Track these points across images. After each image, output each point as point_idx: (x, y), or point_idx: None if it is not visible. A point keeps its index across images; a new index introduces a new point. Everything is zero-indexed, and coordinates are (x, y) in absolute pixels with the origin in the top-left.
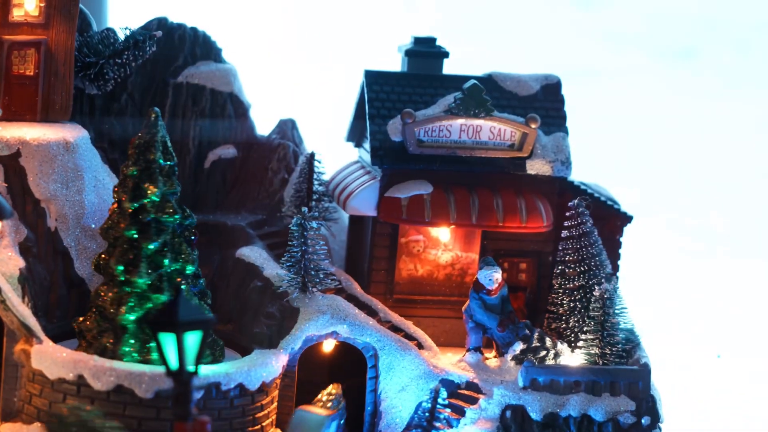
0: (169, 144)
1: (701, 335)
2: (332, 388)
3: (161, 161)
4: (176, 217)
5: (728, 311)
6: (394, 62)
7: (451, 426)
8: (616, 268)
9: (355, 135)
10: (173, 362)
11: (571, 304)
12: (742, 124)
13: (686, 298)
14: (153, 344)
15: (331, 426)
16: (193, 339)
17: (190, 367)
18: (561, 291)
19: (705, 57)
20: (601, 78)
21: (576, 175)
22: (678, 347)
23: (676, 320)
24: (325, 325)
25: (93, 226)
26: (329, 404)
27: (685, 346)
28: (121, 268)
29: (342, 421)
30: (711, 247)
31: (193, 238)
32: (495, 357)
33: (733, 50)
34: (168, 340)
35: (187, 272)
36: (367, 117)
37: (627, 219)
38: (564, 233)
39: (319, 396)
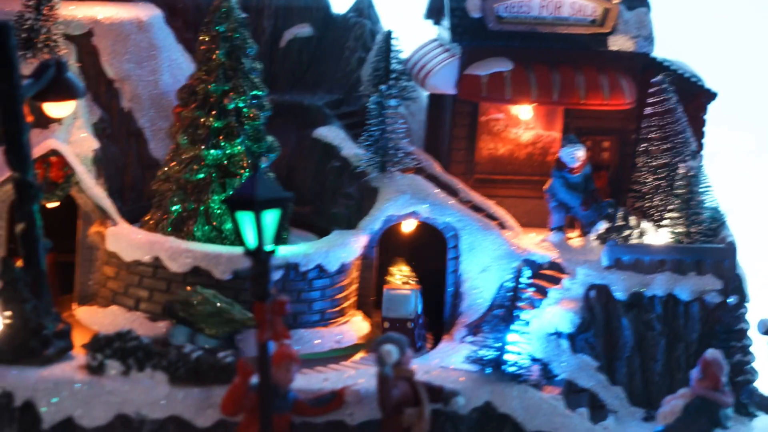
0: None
1: None
2: (401, 265)
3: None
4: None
5: None
6: None
7: (534, 306)
8: (700, 145)
9: (434, 12)
10: (251, 241)
11: (655, 183)
12: None
13: None
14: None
15: (418, 298)
16: (271, 217)
17: (269, 247)
18: (645, 169)
19: None
20: None
21: (659, 52)
22: (764, 227)
23: (762, 200)
24: (404, 205)
25: None
26: (411, 280)
27: None
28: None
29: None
30: None
31: None
32: (578, 236)
33: None
34: (246, 219)
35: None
36: None
37: (711, 96)
38: (647, 110)
39: (394, 273)
